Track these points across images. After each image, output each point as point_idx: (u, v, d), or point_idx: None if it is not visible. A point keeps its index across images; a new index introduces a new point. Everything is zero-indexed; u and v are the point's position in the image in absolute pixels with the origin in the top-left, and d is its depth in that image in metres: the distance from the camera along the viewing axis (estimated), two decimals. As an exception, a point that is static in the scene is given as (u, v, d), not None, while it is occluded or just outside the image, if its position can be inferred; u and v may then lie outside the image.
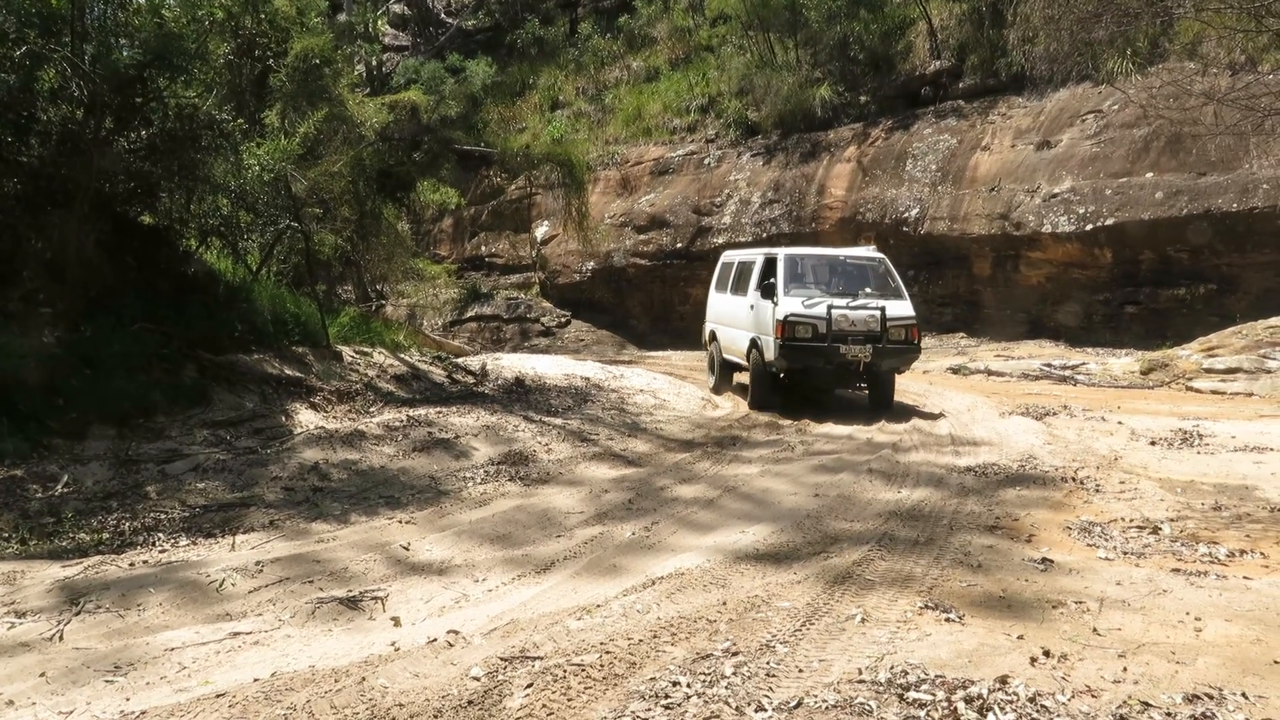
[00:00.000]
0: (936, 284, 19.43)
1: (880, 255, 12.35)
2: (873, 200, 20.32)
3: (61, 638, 4.60)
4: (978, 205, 18.74)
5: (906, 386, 12.80)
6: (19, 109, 10.78)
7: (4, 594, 5.27)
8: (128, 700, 3.90)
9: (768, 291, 11.59)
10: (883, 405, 11.46)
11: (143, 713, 3.75)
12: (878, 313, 11.11)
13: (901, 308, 11.43)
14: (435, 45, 31.69)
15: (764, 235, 20.71)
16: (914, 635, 4.38)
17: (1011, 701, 3.68)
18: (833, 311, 11.06)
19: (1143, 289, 16.99)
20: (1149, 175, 16.63)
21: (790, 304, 11.22)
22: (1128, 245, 16.87)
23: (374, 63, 28.51)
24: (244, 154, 11.84)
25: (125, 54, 11.19)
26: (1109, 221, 16.73)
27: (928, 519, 6.52)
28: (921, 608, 4.72)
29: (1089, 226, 16.95)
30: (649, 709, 3.68)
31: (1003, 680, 3.85)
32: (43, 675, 4.14)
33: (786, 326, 11.09)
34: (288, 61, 14.54)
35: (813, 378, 11.61)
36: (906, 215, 19.65)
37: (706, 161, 23.87)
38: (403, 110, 21.23)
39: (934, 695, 3.73)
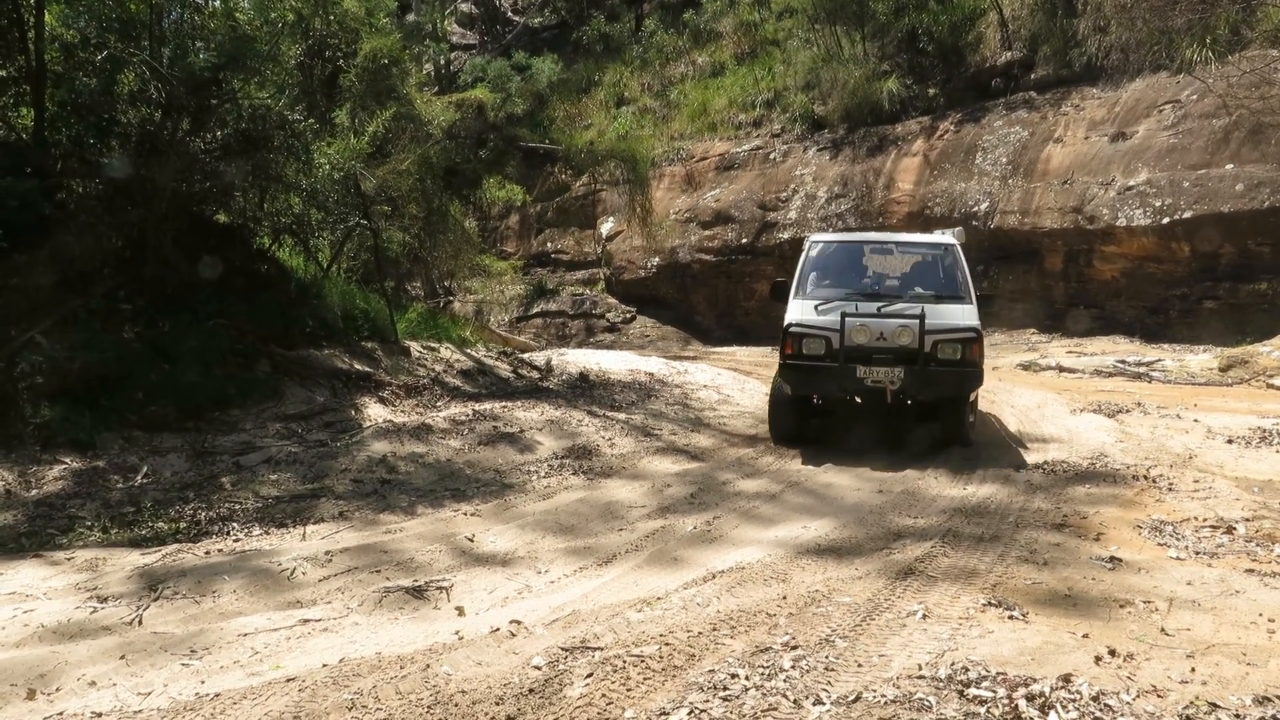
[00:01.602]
0: (1007, 279, 19.07)
1: (951, 241, 9.42)
2: (941, 194, 20.02)
3: (141, 622, 4.78)
4: (1049, 199, 18.35)
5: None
6: (100, 111, 11.16)
7: (87, 580, 5.48)
8: (203, 683, 4.04)
9: (780, 291, 9.23)
10: (955, 441, 8.85)
11: (217, 695, 3.88)
12: (913, 322, 8.37)
13: (955, 314, 8.61)
14: (502, 43, 32.01)
15: (830, 230, 20.53)
16: (976, 632, 4.33)
17: (1074, 700, 3.62)
18: (847, 320, 8.43)
19: (1222, 284, 16.48)
20: (1229, 167, 16.12)
21: (801, 309, 8.81)
22: (1206, 239, 16.37)
23: (441, 62, 28.89)
24: (315, 153, 12.11)
25: (201, 57, 11.52)
26: (1187, 214, 16.25)
27: (993, 515, 6.43)
28: (984, 605, 4.66)
29: (1166, 220, 16.49)
30: (707, 700, 3.70)
31: (1066, 679, 3.79)
32: (123, 658, 4.31)
33: (792, 338, 8.68)
34: (357, 62, 14.84)
35: (859, 407, 9.28)
36: (976, 209, 19.32)
37: (772, 156, 23.74)
38: (469, 108, 21.51)
39: (995, 692, 3.69)
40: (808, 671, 3.95)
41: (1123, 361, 14.17)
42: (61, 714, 3.76)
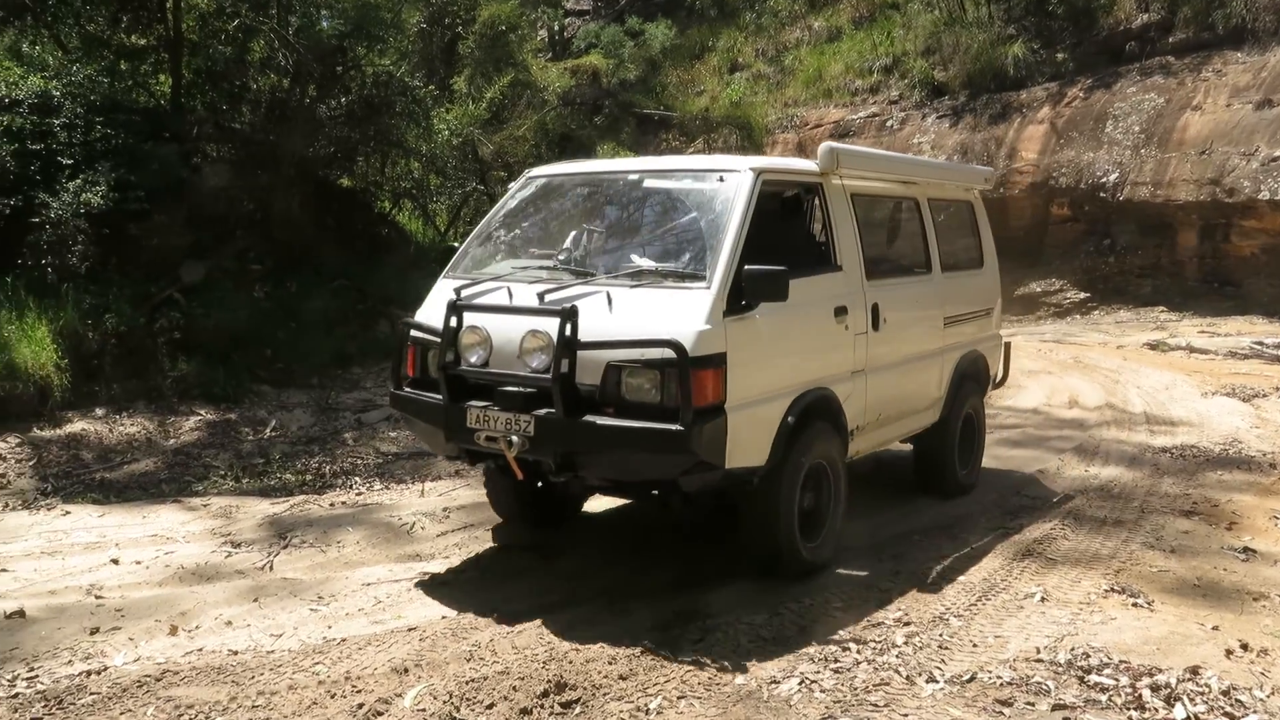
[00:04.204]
0: (1135, 254, 18.25)
1: (739, 170, 4.68)
2: (1067, 164, 19.25)
3: (271, 568, 5.02)
4: (1185, 169, 17.45)
5: (1097, 362, 12.14)
6: (233, 79, 11.62)
7: (221, 525, 5.77)
8: (329, 628, 4.22)
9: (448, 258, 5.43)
10: (772, 569, 4.68)
11: (343, 640, 4.05)
12: (550, 325, 4.26)
13: (661, 311, 4.23)
14: (615, 9, 31.90)
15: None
16: (1097, 618, 4.21)
17: (1203, 693, 3.50)
18: (465, 315, 4.52)
19: (1374, 262, 15.46)
20: (1388, 136, 15.05)
21: (438, 295, 4.91)
22: (1359, 213, 15.35)
23: (555, 28, 28.97)
24: (434, 119, 12.35)
25: (326, 25, 11.83)
26: (1337, 187, 15.26)
27: (1117, 499, 6.20)
28: (1106, 590, 4.52)
29: (1314, 193, 15.51)
30: (818, 671, 3.70)
31: (1194, 671, 3.66)
32: (256, 600, 4.53)
33: (413, 347, 4.89)
34: (475, 29, 15.05)
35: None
36: (1104, 180, 18.52)
37: (889, 124, 23.16)
38: (584, 75, 21.59)
39: (1117, 680, 3.59)
40: (920, 648, 3.91)
41: (1260, 343, 13.45)
42: (201, 650, 3.98)
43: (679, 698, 3.50)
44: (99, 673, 3.75)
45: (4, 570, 4.94)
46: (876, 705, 3.45)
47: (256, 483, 6.97)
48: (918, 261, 5.95)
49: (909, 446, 6.35)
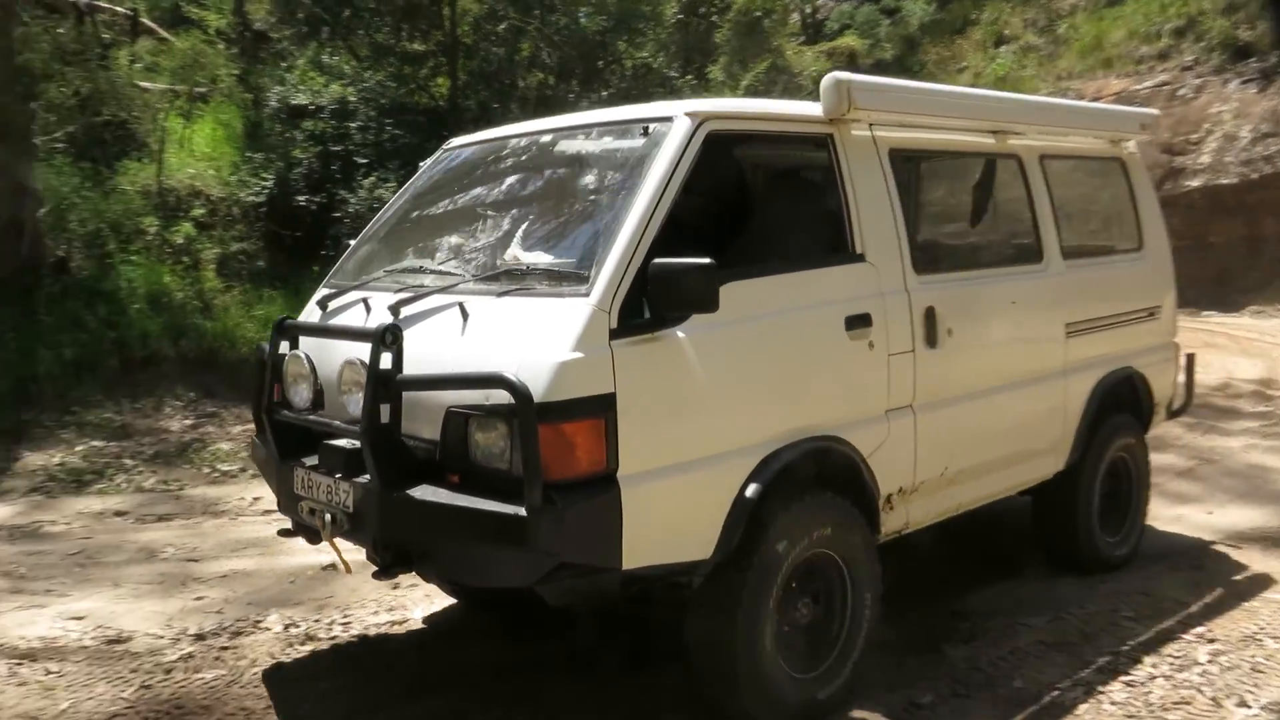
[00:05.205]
0: None
1: (680, 119, 3.01)
2: (1401, 128, 16.86)
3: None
4: None
5: None
6: (503, 78, 12.30)
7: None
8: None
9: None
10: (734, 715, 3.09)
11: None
12: (362, 352, 2.87)
13: (520, 326, 2.76)
14: (872, -12, 31.10)
15: (1253, 176, 18.02)
16: None
17: None
18: (301, 343, 3.26)
19: None
20: None
21: (309, 313, 3.65)
22: None
23: (808, 11, 28.63)
24: (692, 109, 12.54)
25: (586, 20, 12.29)
26: None
27: None
28: None
29: None
30: (1107, 682, 3.43)
31: None
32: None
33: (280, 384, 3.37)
34: (730, 16, 15.10)
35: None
36: None
37: (1181, 92, 21.15)
38: (839, 57, 21.22)
39: None
40: (1228, 669, 3.54)
41: None
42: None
43: (952, 695, 3.34)
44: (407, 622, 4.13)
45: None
46: (1177, 726, 3.15)
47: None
48: (1018, 246, 4.26)
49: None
